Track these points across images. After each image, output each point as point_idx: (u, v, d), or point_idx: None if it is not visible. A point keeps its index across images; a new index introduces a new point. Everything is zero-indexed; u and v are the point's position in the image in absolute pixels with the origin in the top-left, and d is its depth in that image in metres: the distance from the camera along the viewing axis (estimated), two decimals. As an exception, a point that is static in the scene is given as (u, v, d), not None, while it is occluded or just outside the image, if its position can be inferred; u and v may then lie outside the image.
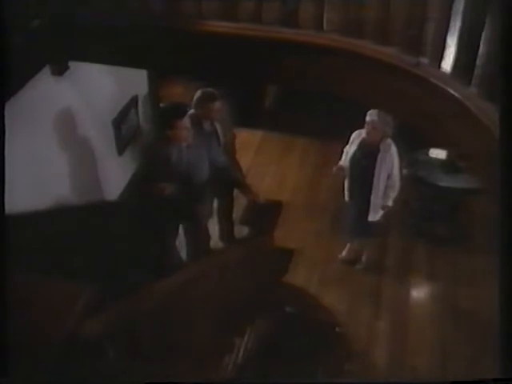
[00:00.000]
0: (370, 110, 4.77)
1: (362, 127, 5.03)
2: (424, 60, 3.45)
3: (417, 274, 6.06)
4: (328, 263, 6.00)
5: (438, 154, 6.31)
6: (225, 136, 5.13)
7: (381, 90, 3.63)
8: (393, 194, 5.22)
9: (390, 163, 5.07)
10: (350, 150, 5.24)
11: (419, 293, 5.99)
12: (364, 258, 5.92)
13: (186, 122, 4.42)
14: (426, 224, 6.35)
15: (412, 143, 6.18)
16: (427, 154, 6.36)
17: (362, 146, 5.11)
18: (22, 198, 4.05)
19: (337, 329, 5.14)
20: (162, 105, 4.44)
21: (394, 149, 5.06)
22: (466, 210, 6.39)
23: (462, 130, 3.33)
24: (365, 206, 5.29)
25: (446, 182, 6.09)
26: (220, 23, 3.75)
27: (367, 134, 4.99)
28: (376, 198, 5.19)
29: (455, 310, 5.57)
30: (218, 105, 4.82)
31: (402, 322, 5.53)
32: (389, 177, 5.12)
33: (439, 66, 3.39)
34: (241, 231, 5.98)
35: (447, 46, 3.35)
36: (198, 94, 4.84)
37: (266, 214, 5.88)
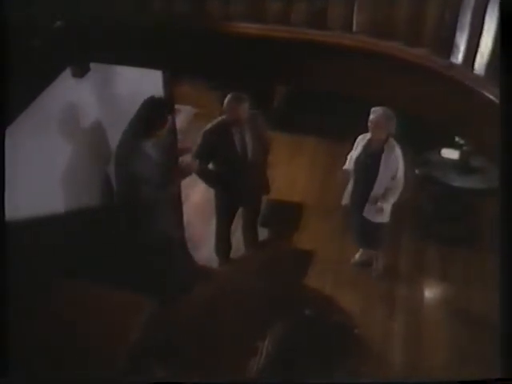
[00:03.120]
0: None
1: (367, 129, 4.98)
2: (457, 62, 3.37)
3: (429, 274, 6.00)
4: (341, 264, 5.92)
5: (450, 154, 6.25)
6: (253, 148, 5.09)
7: (411, 93, 3.53)
8: (392, 199, 5.11)
9: (395, 165, 4.99)
10: (354, 153, 5.17)
11: (432, 293, 5.92)
12: (377, 264, 5.82)
13: (171, 117, 4.41)
14: (438, 224, 6.28)
15: (424, 143, 6.14)
16: (439, 154, 6.30)
17: (367, 146, 5.06)
18: (40, 200, 3.95)
19: (355, 330, 5.07)
20: (146, 101, 4.29)
21: (398, 151, 4.99)
22: (478, 210, 6.35)
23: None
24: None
25: (458, 182, 6.03)
26: (246, 24, 3.64)
27: (372, 132, 4.94)
28: (375, 196, 5.11)
29: (468, 311, 5.52)
30: (245, 107, 4.79)
31: (415, 323, 5.46)
32: (393, 178, 5.03)
33: (473, 68, 3.30)
34: (261, 234, 5.90)
35: (480, 47, 3.27)
36: (228, 97, 4.83)
37: (286, 216, 5.80)
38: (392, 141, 4.94)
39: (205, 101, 8.11)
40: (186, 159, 4.91)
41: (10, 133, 3.16)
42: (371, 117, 4.81)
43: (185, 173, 4.81)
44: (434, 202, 6.27)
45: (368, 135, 5.02)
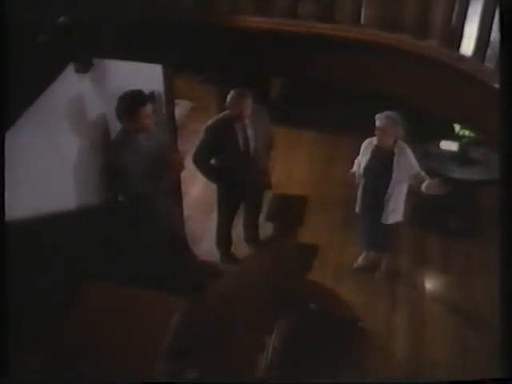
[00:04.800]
0: (393, 104, 4.65)
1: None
2: (466, 54, 3.31)
3: (429, 267, 5.97)
4: (342, 258, 5.88)
5: (449, 145, 6.23)
6: (256, 143, 5.04)
7: (419, 85, 3.47)
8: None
9: (408, 164, 4.93)
10: (362, 159, 5.10)
11: (432, 286, 5.88)
12: (383, 266, 5.77)
13: (148, 109, 4.27)
14: (438, 216, 6.26)
15: (423, 135, 6.10)
16: (438, 146, 6.27)
17: (376, 153, 4.97)
18: (43, 199, 3.88)
19: (359, 323, 5.03)
20: (121, 95, 4.26)
21: (408, 150, 4.94)
22: (478, 201, 6.33)
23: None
24: (380, 216, 5.18)
25: (457, 173, 6.01)
26: (253, 18, 3.56)
27: (379, 139, 4.87)
28: (393, 202, 5.08)
29: (468, 307, 5.49)
30: (248, 103, 4.74)
31: (416, 318, 5.42)
32: (413, 177, 4.97)
33: (483, 60, 3.24)
34: (266, 228, 5.84)
35: (491, 39, 3.21)
36: (232, 93, 4.78)
37: (290, 210, 5.75)
38: (400, 143, 4.87)
39: (200, 94, 8.05)
40: (175, 154, 4.81)
41: (13, 131, 3.11)
42: (377, 124, 4.74)
43: (176, 168, 4.73)
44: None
45: (374, 140, 4.94)
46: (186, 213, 6.12)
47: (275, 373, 4.06)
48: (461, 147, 6.08)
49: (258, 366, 3.93)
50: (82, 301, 3.67)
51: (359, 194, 5.22)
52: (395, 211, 5.14)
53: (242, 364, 3.72)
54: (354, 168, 5.20)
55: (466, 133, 5.98)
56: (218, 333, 3.50)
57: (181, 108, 7.89)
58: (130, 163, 4.25)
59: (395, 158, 4.88)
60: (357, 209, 5.28)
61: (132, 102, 4.20)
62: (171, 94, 5.36)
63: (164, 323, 3.32)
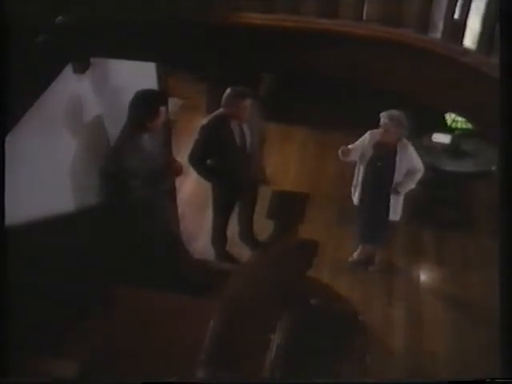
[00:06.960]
0: (392, 100, 4.64)
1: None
2: (470, 48, 3.30)
3: (425, 259, 5.97)
4: (338, 253, 5.86)
5: (441, 138, 6.23)
6: (252, 139, 4.98)
7: (423, 80, 3.47)
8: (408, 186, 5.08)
9: (410, 162, 4.92)
10: (365, 151, 5.06)
11: (428, 278, 5.89)
12: (377, 260, 5.76)
13: (163, 109, 4.26)
14: (432, 209, 6.27)
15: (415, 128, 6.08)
16: (431, 139, 6.27)
17: (378, 148, 4.95)
18: (45, 201, 3.82)
19: (360, 317, 5.03)
20: (137, 93, 4.17)
21: (411, 149, 4.92)
22: (471, 194, 6.35)
23: None
24: (379, 210, 5.17)
25: (450, 166, 6.01)
26: (256, 15, 3.52)
27: (381, 136, 4.85)
28: (394, 199, 5.08)
29: (464, 296, 5.50)
30: (247, 103, 4.66)
31: (413, 309, 5.42)
32: (409, 173, 4.96)
33: (487, 54, 3.24)
34: (267, 225, 5.79)
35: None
36: (228, 91, 4.69)
37: (291, 206, 5.71)
38: (404, 141, 4.85)
39: (190, 92, 7.99)
40: (173, 160, 4.76)
41: (13, 133, 3.05)
42: (381, 121, 4.72)
43: (175, 173, 4.71)
44: (426, 186, 6.24)
45: (378, 134, 4.91)
46: (180, 210, 6.05)
47: (280, 370, 4.05)
48: (453, 140, 6.09)
49: (265, 364, 3.91)
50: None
51: (358, 187, 5.18)
52: (396, 208, 5.14)
53: (249, 363, 3.69)
54: (353, 154, 5.12)
55: (459, 125, 5.98)
56: (226, 333, 3.48)
57: (170, 106, 7.81)
58: (131, 165, 4.18)
59: (398, 156, 4.88)
60: (355, 200, 5.26)
61: (153, 102, 4.15)
62: (165, 91, 5.29)
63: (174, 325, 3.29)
